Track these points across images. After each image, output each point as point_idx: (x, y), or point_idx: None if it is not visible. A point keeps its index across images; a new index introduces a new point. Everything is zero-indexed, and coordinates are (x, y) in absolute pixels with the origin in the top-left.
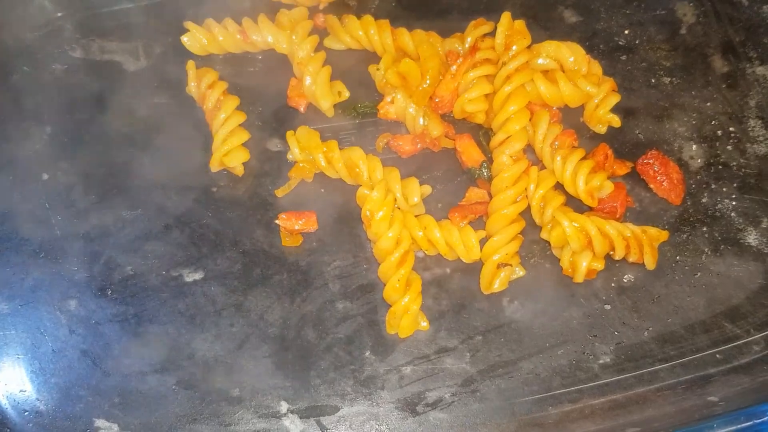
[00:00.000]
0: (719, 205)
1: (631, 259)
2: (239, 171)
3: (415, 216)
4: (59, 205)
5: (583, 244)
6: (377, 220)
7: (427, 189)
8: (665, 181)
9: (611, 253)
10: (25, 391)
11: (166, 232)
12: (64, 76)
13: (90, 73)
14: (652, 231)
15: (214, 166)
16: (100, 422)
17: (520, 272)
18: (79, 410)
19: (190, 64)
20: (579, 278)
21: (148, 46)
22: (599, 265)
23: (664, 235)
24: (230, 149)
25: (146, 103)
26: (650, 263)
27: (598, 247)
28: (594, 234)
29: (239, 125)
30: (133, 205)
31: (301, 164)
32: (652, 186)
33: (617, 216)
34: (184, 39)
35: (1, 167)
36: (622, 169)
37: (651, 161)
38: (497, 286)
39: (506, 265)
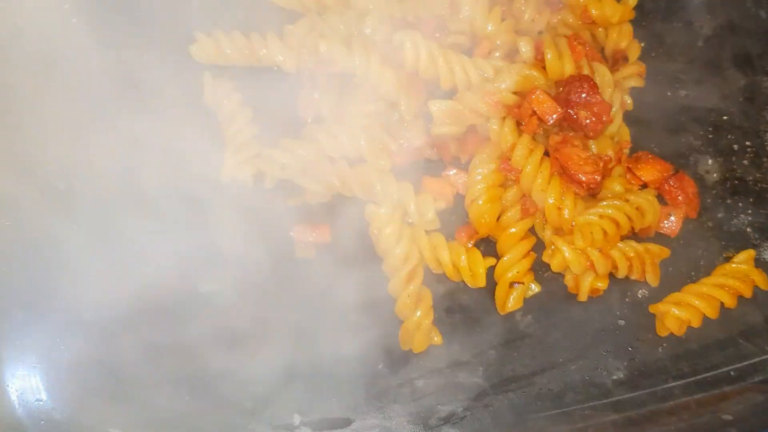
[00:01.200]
0: (735, 220)
1: (633, 277)
2: (250, 182)
3: (428, 232)
4: (77, 215)
5: (585, 266)
6: (385, 236)
7: (442, 204)
8: (680, 195)
9: (614, 271)
10: (41, 400)
11: (181, 242)
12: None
13: (104, 84)
14: (654, 248)
15: (226, 177)
16: None
17: (535, 288)
18: (95, 420)
19: (207, 75)
20: (583, 297)
21: (165, 54)
22: (603, 284)
23: (665, 252)
24: (241, 161)
25: (162, 112)
26: (653, 280)
27: (601, 269)
28: (595, 258)
29: (252, 137)
30: (149, 216)
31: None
32: (667, 200)
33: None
34: (193, 49)
35: (20, 174)
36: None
37: (673, 184)
38: (512, 304)
39: (519, 283)
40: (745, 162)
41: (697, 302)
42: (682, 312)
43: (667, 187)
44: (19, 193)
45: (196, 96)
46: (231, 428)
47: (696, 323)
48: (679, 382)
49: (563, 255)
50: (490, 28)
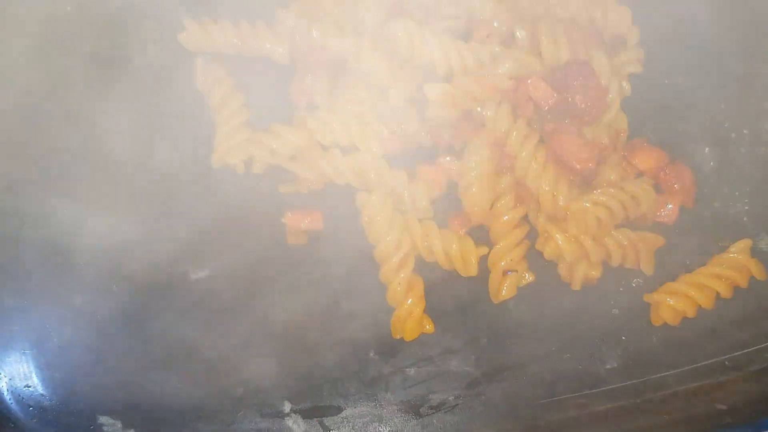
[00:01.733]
0: (731, 210)
1: (627, 266)
2: (240, 168)
3: (421, 220)
4: (66, 201)
5: (578, 255)
6: (376, 224)
7: (435, 192)
8: (677, 184)
9: (608, 259)
10: (29, 386)
11: (171, 229)
12: (72, 71)
13: (98, 68)
14: (649, 237)
15: (216, 162)
16: (103, 419)
17: (529, 278)
18: (83, 406)
19: (200, 60)
20: (576, 286)
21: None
22: (596, 273)
23: (660, 240)
24: (232, 146)
25: (154, 97)
26: (647, 269)
27: (594, 256)
28: (589, 245)
29: (243, 122)
30: (139, 202)
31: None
32: (663, 188)
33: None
34: (182, 36)
35: (7, 162)
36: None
37: (668, 173)
38: (505, 292)
39: (513, 271)
40: (742, 150)
41: (692, 292)
42: (677, 302)
43: (663, 175)
44: (11, 178)
45: (188, 80)
46: (221, 415)
47: (691, 313)
48: (673, 372)
49: (556, 242)
50: (488, 10)
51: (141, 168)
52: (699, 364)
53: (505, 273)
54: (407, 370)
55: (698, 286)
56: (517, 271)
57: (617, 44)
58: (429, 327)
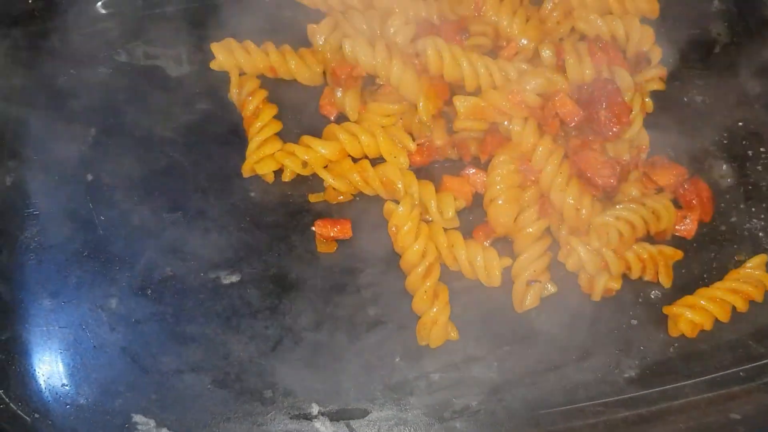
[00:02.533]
0: (747, 225)
1: (646, 278)
2: (270, 178)
3: (446, 230)
4: (102, 206)
5: (599, 267)
6: (403, 233)
7: (462, 203)
8: (695, 199)
9: (627, 272)
10: (66, 385)
11: (205, 234)
12: (109, 80)
13: (134, 77)
14: (668, 250)
15: (246, 172)
16: (137, 417)
17: (551, 288)
18: (118, 405)
19: (234, 71)
20: (596, 297)
21: (192, 51)
22: (616, 285)
23: (678, 254)
24: (263, 157)
25: (188, 107)
26: (666, 282)
27: (614, 268)
28: (610, 258)
29: (275, 134)
30: (174, 208)
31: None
32: (682, 204)
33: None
34: (212, 63)
35: (47, 168)
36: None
37: (689, 188)
38: (529, 302)
39: (536, 281)
40: (759, 168)
41: (709, 306)
42: (695, 315)
43: (681, 191)
44: (47, 183)
45: (222, 91)
46: (251, 416)
47: (708, 326)
48: (689, 382)
49: (579, 255)
50: (515, 29)
51: (177, 175)
52: (714, 375)
53: (528, 283)
54: (431, 375)
55: (716, 300)
56: (540, 281)
57: (641, 61)
58: (453, 334)
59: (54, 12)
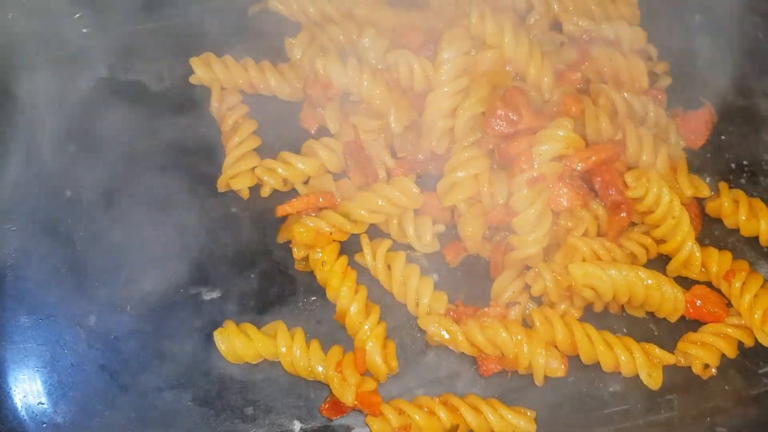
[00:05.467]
0: (731, 238)
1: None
2: (245, 194)
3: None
4: (81, 222)
5: (563, 296)
6: (351, 316)
7: (441, 227)
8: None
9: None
10: (43, 403)
11: (186, 251)
12: (89, 95)
13: (114, 93)
14: (657, 352)
15: (221, 187)
16: None
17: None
18: (96, 424)
19: (215, 85)
20: (538, 382)
21: (173, 67)
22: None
23: (669, 358)
24: (238, 172)
25: (169, 123)
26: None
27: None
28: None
29: (253, 150)
30: (154, 223)
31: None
32: None
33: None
34: (192, 78)
35: (26, 182)
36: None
37: None
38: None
39: (515, 303)
40: (743, 181)
41: (719, 343)
42: (704, 352)
43: None
44: (26, 199)
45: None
46: None
47: (714, 363)
48: (674, 395)
49: (545, 280)
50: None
51: (157, 191)
52: (701, 389)
53: (508, 306)
54: (415, 390)
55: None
56: (519, 303)
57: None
58: (393, 365)
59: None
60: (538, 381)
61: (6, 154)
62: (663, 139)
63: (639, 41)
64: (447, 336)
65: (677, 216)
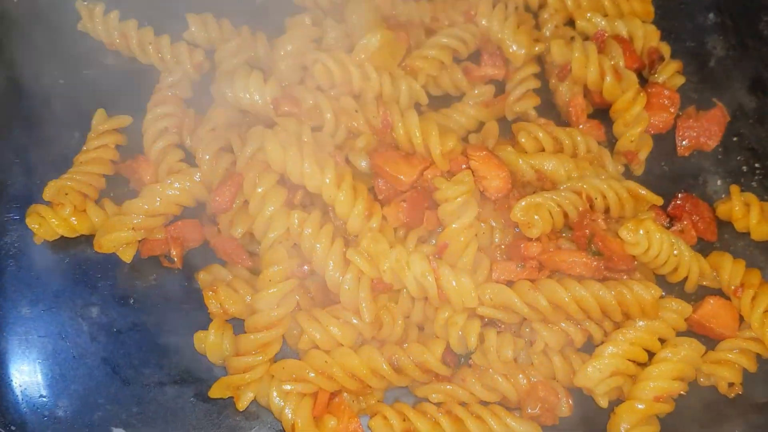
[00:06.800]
0: (741, 242)
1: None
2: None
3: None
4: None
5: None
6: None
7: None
8: (699, 221)
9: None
10: (44, 396)
11: None
12: (95, 83)
13: (121, 80)
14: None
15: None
16: (117, 431)
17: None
18: (98, 418)
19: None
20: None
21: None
22: None
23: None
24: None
25: None
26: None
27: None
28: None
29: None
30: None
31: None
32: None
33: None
34: (79, 24)
35: (30, 170)
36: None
37: (682, 203)
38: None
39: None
40: (754, 184)
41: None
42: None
43: (684, 214)
44: (25, 188)
45: None
46: (234, 431)
47: (738, 380)
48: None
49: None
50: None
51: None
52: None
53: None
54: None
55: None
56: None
57: (655, 59)
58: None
59: (38, 13)
60: None
61: (8, 139)
62: (600, 165)
63: (652, 39)
64: None
65: (680, 252)
